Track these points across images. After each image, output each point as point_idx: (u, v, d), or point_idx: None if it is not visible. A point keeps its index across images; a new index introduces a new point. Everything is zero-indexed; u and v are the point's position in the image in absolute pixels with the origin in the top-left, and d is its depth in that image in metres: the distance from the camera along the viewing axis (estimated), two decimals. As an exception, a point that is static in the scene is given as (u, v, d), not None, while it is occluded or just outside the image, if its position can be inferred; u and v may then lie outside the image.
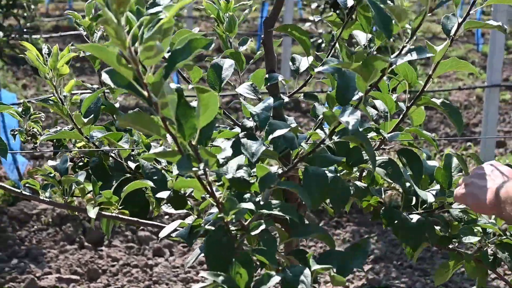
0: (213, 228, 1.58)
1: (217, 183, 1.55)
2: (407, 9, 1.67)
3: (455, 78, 11.65)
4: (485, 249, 1.91)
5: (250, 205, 1.50)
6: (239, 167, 1.55)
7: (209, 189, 1.50)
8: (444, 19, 1.71)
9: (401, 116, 1.79)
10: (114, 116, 2.11)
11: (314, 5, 7.52)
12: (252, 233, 1.56)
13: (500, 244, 1.91)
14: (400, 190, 1.85)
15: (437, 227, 1.92)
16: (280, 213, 1.54)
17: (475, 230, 1.89)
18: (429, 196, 1.83)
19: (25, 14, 6.88)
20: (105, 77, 1.35)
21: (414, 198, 1.86)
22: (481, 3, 1.71)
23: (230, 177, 1.53)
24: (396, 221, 1.82)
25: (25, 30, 6.75)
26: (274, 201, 1.63)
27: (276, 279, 1.48)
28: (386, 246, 5.44)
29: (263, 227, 1.56)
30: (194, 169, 1.41)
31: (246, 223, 1.58)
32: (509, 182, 1.70)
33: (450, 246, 1.94)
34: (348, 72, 1.62)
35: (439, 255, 5.29)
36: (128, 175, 1.93)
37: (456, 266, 1.97)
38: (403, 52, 1.63)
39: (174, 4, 1.33)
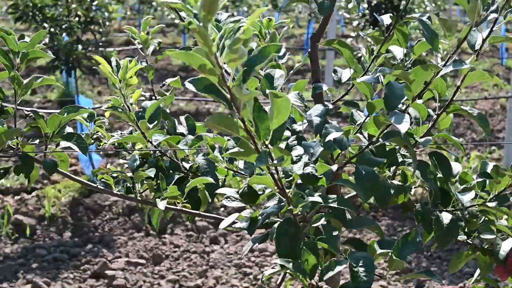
0: (280, 220, 1.58)
1: (285, 180, 1.55)
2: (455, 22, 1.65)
3: (481, 89, 11.52)
4: (498, 246, 1.87)
5: (317, 199, 1.50)
6: (306, 164, 1.55)
7: (280, 184, 1.51)
8: (469, 37, 1.68)
9: (431, 122, 1.77)
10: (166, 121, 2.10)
11: (355, 23, 7.48)
12: (314, 225, 1.56)
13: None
14: (427, 188, 1.83)
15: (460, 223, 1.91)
16: (338, 206, 1.54)
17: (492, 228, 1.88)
18: (465, 197, 1.81)
19: (100, 30, 6.93)
20: (189, 86, 1.35)
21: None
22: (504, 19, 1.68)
23: (301, 172, 1.53)
24: (428, 219, 1.80)
25: (100, 43, 6.82)
26: (330, 196, 1.63)
27: (343, 265, 1.48)
28: (418, 238, 5.38)
29: (323, 219, 1.56)
30: (269, 164, 1.41)
31: (307, 216, 1.58)
32: None
33: (469, 241, 1.91)
34: (394, 82, 1.61)
35: (466, 248, 5.22)
36: (183, 174, 1.94)
37: (468, 257, 1.95)
38: (448, 63, 1.62)
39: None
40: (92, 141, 2.09)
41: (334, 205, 1.54)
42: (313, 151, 1.54)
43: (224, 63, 1.31)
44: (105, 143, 2.10)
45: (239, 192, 1.70)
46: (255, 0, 13.86)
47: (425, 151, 1.86)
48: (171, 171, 1.98)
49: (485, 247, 1.93)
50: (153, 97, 2.18)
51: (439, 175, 1.79)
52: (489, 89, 11.47)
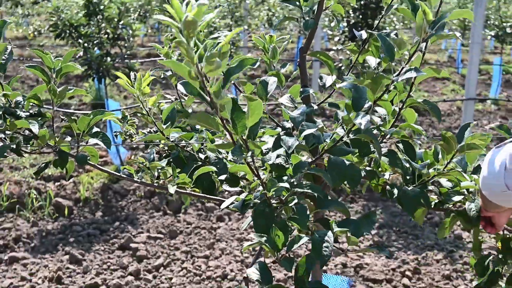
0: (259, 201, 1.58)
1: (261, 168, 1.55)
2: (405, 40, 1.64)
3: (441, 93, 11.50)
4: (468, 205, 1.84)
5: (286, 185, 1.50)
6: (278, 156, 1.55)
7: (255, 172, 1.50)
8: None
9: (396, 116, 1.75)
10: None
11: (336, 38, 7.47)
12: (288, 205, 1.56)
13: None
14: (399, 171, 1.81)
15: (434, 196, 1.89)
16: (309, 191, 1.53)
17: (461, 191, 1.85)
18: (420, 166, 1.81)
19: (125, 45, 6.92)
20: (180, 87, 1.36)
21: (410, 177, 1.83)
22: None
23: (271, 163, 1.52)
24: (397, 193, 1.79)
25: (125, 56, 6.80)
26: (305, 182, 1.62)
27: (305, 239, 1.48)
28: (388, 217, 5.39)
29: (296, 200, 1.56)
30: (243, 156, 1.41)
31: (284, 198, 1.57)
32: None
33: (445, 207, 1.88)
34: (361, 87, 1.61)
35: (427, 224, 5.23)
36: (199, 163, 1.93)
37: (452, 222, 1.89)
38: (402, 72, 1.61)
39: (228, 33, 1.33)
40: (126, 137, 2.09)
41: (306, 190, 1.53)
42: (290, 145, 1.53)
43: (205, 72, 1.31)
44: (134, 139, 2.10)
45: (225, 178, 1.70)
46: (254, 20, 13.82)
47: (393, 141, 1.84)
48: (189, 162, 1.98)
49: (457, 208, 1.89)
50: (178, 99, 2.18)
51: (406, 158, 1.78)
52: (448, 94, 11.46)
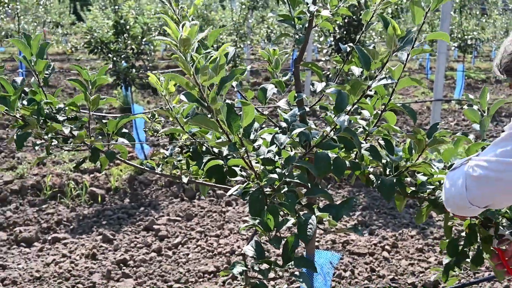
0: (254, 189, 1.57)
1: (254, 161, 1.54)
2: (383, 52, 1.62)
3: (413, 96, 11.47)
4: (438, 193, 1.81)
5: (275, 175, 1.50)
6: (269, 151, 1.54)
7: (250, 164, 1.49)
8: (399, 54, 1.65)
9: (378, 117, 1.73)
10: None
11: (325, 51, 7.43)
12: (280, 193, 1.55)
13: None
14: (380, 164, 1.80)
15: (412, 187, 1.87)
16: (297, 180, 1.52)
17: (434, 183, 1.83)
18: (394, 158, 1.79)
19: (148, 58, 6.91)
20: (182, 97, 1.35)
21: (390, 169, 1.81)
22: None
23: (262, 157, 1.52)
24: (376, 182, 1.78)
25: (148, 68, 6.78)
26: (295, 173, 1.61)
27: (291, 221, 1.48)
28: (370, 200, 5.37)
29: (286, 189, 1.55)
30: (238, 151, 1.41)
31: (276, 186, 1.56)
32: None
33: (419, 196, 1.86)
34: (343, 92, 1.59)
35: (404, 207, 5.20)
36: (213, 156, 1.91)
37: (428, 210, 1.87)
38: (377, 79, 1.60)
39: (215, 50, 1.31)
40: (153, 132, 2.07)
41: (294, 180, 1.52)
42: (281, 141, 1.51)
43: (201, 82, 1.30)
44: (160, 134, 2.08)
45: (225, 170, 1.68)
46: (255, 36, 13.78)
47: (376, 138, 1.82)
48: (205, 155, 1.96)
49: (429, 197, 1.87)
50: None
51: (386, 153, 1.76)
52: (419, 96, 11.43)
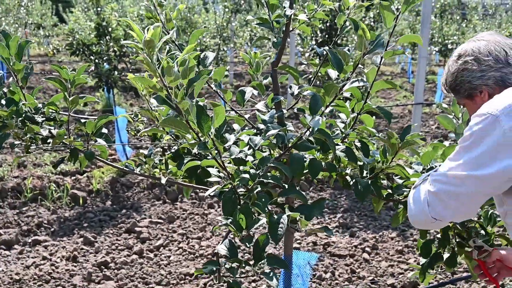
0: (227, 190, 1.59)
1: (227, 162, 1.56)
2: (351, 54, 1.64)
3: (395, 99, 11.57)
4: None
5: (246, 175, 1.52)
6: (241, 151, 1.56)
7: (222, 165, 1.51)
8: (374, 57, 1.68)
9: (354, 120, 1.76)
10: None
11: (307, 55, 7.49)
12: (252, 193, 1.56)
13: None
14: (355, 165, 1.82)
15: (389, 190, 1.90)
16: (271, 181, 1.54)
17: (409, 186, 1.86)
18: (367, 160, 1.81)
19: (130, 61, 6.89)
20: (152, 100, 1.36)
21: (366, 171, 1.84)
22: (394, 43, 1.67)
23: (234, 157, 1.54)
24: (352, 183, 1.80)
25: (130, 70, 6.77)
26: (269, 174, 1.62)
27: (262, 221, 1.50)
28: (351, 202, 5.41)
29: (258, 189, 1.56)
30: (209, 151, 1.42)
31: (250, 187, 1.58)
32: None
33: (395, 198, 1.89)
34: (316, 95, 1.61)
35: (383, 208, 5.25)
36: (194, 157, 1.92)
37: (404, 212, 1.91)
38: (349, 81, 1.62)
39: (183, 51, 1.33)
40: (136, 132, 2.07)
41: (268, 180, 1.53)
42: (256, 143, 1.53)
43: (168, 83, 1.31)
44: (140, 134, 2.08)
45: (198, 171, 1.70)
46: (239, 39, 13.80)
47: (351, 140, 1.85)
48: (186, 155, 1.96)
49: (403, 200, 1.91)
50: None
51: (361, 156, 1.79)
52: (401, 99, 11.53)
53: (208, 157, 1.50)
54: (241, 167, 1.57)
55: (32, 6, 18.15)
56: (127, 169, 1.88)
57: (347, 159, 1.72)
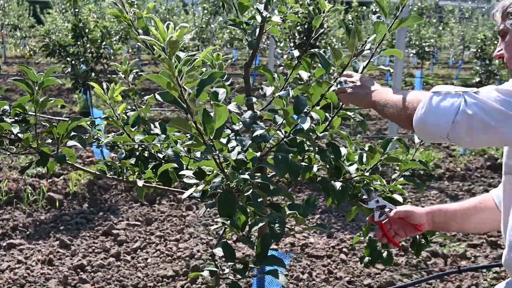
0: (220, 191, 1.58)
1: (225, 163, 1.55)
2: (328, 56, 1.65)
3: (373, 101, 11.66)
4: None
5: (246, 176, 1.50)
6: (239, 153, 1.55)
7: (221, 166, 1.50)
8: (353, 64, 1.69)
9: (328, 122, 1.77)
10: (146, 125, 2.05)
11: (285, 56, 7.51)
12: (245, 194, 1.56)
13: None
14: (327, 166, 1.84)
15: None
16: (263, 181, 1.54)
17: (372, 188, 1.89)
18: (351, 168, 1.83)
19: (107, 62, 6.84)
20: (158, 97, 1.36)
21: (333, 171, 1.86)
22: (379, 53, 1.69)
23: (235, 158, 1.52)
24: (327, 187, 1.81)
25: (107, 72, 6.72)
26: (257, 174, 1.63)
27: (264, 221, 1.50)
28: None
29: (251, 190, 1.56)
30: (213, 153, 1.42)
31: (241, 188, 1.58)
32: (379, 89, 1.62)
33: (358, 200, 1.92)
34: (300, 95, 1.62)
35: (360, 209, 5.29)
36: (156, 162, 1.91)
37: (357, 210, 1.97)
38: (337, 81, 1.63)
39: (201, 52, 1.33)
40: (93, 140, 2.04)
41: (259, 180, 1.53)
42: (244, 143, 1.53)
43: (183, 84, 1.31)
44: (102, 141, 2.06)
45: (193, 172, 1.68)
46: (218, 41, 13.79)
47: (324, 142, 1.86)
48: (149, 160, 1.96)
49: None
50: (136, 109, 2.14)
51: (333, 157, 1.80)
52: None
53: (208, 158, 1.49)
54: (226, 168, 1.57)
55: (8, 7, 17.94)
56: (99, 174, 1.86)
57: (320, 160, 1.73)
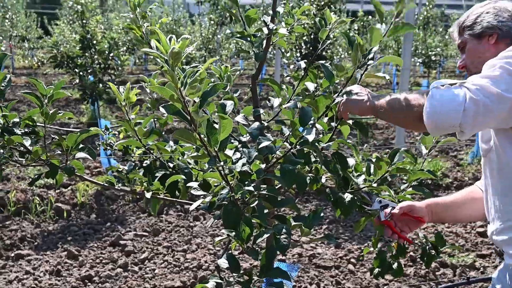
0: (226, 202, 1.58)
1: (229, 175, 1.55)
2: (347, 67, 1.66)
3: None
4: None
5: (251, 188, 1.51)
6: (244, 164, 1.55)
7: (225, 178, 1.51)
8: (356, 74, 1.70)
9: (332, 131, 1.77)
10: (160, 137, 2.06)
11: (291, 67, 7.53)
12: (251, 205, 1.56)
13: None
14: (334, 177, 1.84)
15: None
16: (269, 193, 1.55)
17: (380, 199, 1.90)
18: (359, 180, 1.83)
19: (115, 73, 6.88)
20: (162, 110, 1.36)
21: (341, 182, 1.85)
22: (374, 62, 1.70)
23: (239, 170, 1.53)
24: (335, 198, 1.81)
25: (115, 82, 6.76)
26: (263, 186, 1.63)
27: (268, 233, 1.50)
28: (336, 213, 5.42)
29: (257, 201, 1.56)
30: (218, 165, 1.42)
31: (246, 199, 1.58)
32: (378, 97, 1.66)
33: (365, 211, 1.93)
34: (306, 107, 1.62)
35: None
36: (167, 171, 1.92)
37: (366, 221, 1.98)
38: (341, 93, 1.63)
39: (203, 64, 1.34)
40: (107, 147, 2.06)
41: (265, 192, 1.54)
42: (250, 155, 1.53)
43: (186, 95, 1.31)
44: (115, 149, 2.07)
45: (199, 184, 1.69)
46: (225, 51, 13.84)
47: (330, 152, 1.86)
48: (158, 170, 1.96)
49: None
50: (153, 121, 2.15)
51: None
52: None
53: (212, 170, 1.50)
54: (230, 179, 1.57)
55: (17, 19, 18.09)
56: (107, 185, 1.87)
57: (328, 171, 1.73)
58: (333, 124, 1.76)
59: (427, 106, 1.50)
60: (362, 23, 12.58)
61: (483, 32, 1.78)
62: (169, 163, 1.91)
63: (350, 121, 1.75)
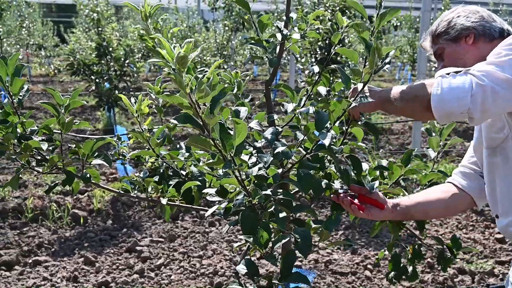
0: (243, 208, 1.58)
1: (247, 180, 1.55)
2: (361, 70, 1.66)
3: (396, 115, 11.57)
4: None
5: (268, 192, 1.51)
6: (260, 169, 1.56)
7: (242, 183, 1.51)
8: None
9: (344, 135, 1.76)
10: (171, 144, 2.07)
11: (306, 72, 7.53)
12: (268, 210, 1.56)
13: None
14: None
15: None
16: (285, 197, 1.55)
17: None
18: (375, 184, 1.82)
19: (131, 80, 6.94)
20: (174, 122, 1.37)
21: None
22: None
23: (255, 174, 1.53)
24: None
25: (131, 89, 6.82)
26: (279, 190, 1.63)
27: (287, 238, 1.50)
28: (352, 219, 5.40)
29: (274, 206, 1.57)
30: (233, 170, 1.43)
31: (264, 204, 1.58)
32: (383, 91, 1.67)
33: None
34: (321, 111, 1.62)
35: (384, 225, 5.23)
36: (180, 179, 1.93)
37: (381, 225, 2.02)
38: (357, 97, 1.63)
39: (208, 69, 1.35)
40: (119, 156, 2.08)
41: (282, 196, 1.54)
42: (266, 160, 1.54)
43: (196, 99, 1.32)
44: (128, 158, 2.09)
45: (215, 190, 1.69)
46: (239, 57, 13.88)
47: (343, 156, 1.86)
48: (172, 177, 1.97)
49: None
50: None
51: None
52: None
53: (229, 176, 1.50)
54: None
55: (33, 27, 18.32)
56: (122, 192, 1.88)
57: (340, 176, 1.73)
58: (343, 127, 1.76)
59: (434, 94, 1.52)
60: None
61: (459, 34, 1.83)
62: (182, 171, 1.92)
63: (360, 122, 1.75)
